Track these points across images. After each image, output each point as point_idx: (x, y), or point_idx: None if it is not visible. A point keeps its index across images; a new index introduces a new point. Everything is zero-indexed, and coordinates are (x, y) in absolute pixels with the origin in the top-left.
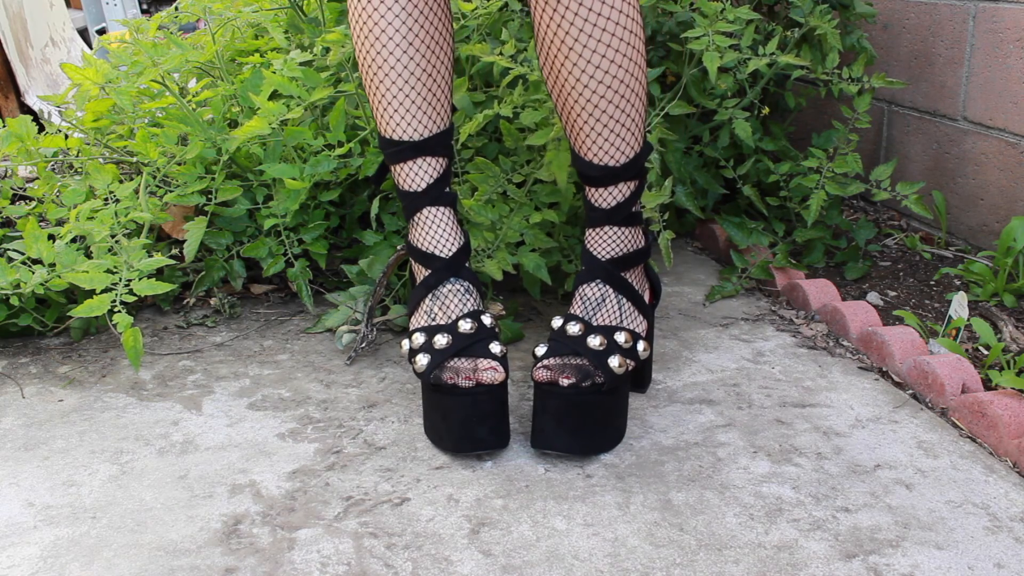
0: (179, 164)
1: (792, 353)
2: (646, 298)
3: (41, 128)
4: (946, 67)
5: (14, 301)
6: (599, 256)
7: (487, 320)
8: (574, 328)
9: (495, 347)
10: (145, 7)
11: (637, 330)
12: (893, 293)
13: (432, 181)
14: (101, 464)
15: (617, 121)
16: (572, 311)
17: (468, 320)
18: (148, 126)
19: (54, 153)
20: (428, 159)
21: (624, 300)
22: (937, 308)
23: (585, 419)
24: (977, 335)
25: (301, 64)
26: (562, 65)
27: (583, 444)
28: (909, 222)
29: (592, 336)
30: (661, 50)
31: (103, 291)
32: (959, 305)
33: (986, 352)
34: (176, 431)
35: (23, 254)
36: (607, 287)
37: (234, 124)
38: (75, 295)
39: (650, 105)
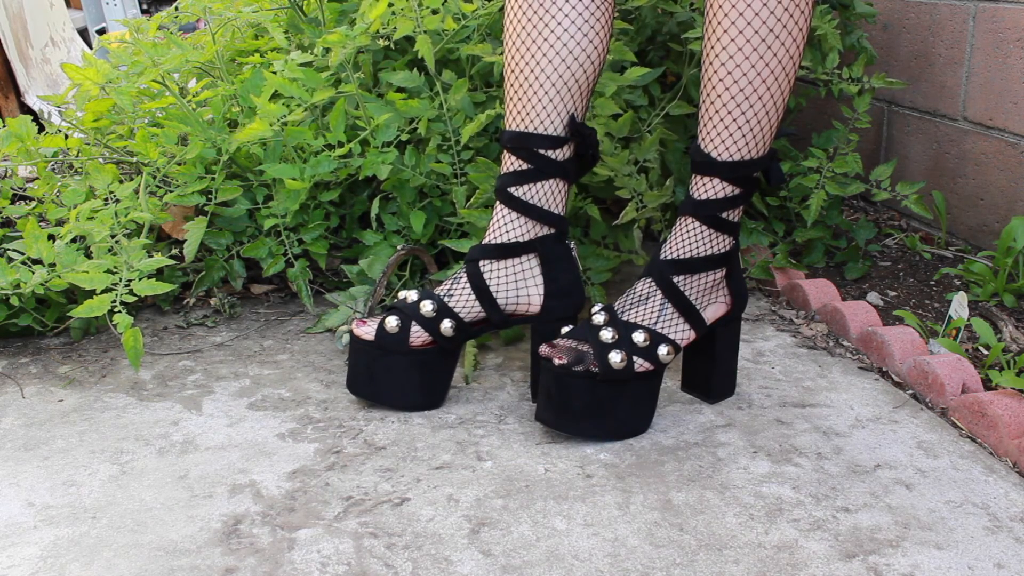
0: (179, 164)
1: (792, 353)
2: (714, 310)
3: (41, 128)
4: (946, 67)
5: (14, 301)
6: (664, 252)
7: (426, 306)
8: (599, 317)
9: (391, 320)
10: (145, 7)
11: (673, 336)
12: (893, 293)
13: (503, 173)
14: (101, 464)
15: (733, 118)
16: (614, 302)
17: (421, 297)
18: (148, 126)
19: (54, 153)
20: (506, 153)
21: (668, 305)
22: (937, 308)
23: (572, 401)
24: (977, 335)
25: (301, 65)
26: (719, 40)
27: (569, 425)
28: (909, 222)
29: (606, 329)
30: (661, 50)
31: (103, 291)
32: (959, 305)
33: (986, 352)
34: (176, 431)
35: (23, 254)
36: (656, 289)
37: (234, 124)
38: (75, 295)
39: (650, 105)
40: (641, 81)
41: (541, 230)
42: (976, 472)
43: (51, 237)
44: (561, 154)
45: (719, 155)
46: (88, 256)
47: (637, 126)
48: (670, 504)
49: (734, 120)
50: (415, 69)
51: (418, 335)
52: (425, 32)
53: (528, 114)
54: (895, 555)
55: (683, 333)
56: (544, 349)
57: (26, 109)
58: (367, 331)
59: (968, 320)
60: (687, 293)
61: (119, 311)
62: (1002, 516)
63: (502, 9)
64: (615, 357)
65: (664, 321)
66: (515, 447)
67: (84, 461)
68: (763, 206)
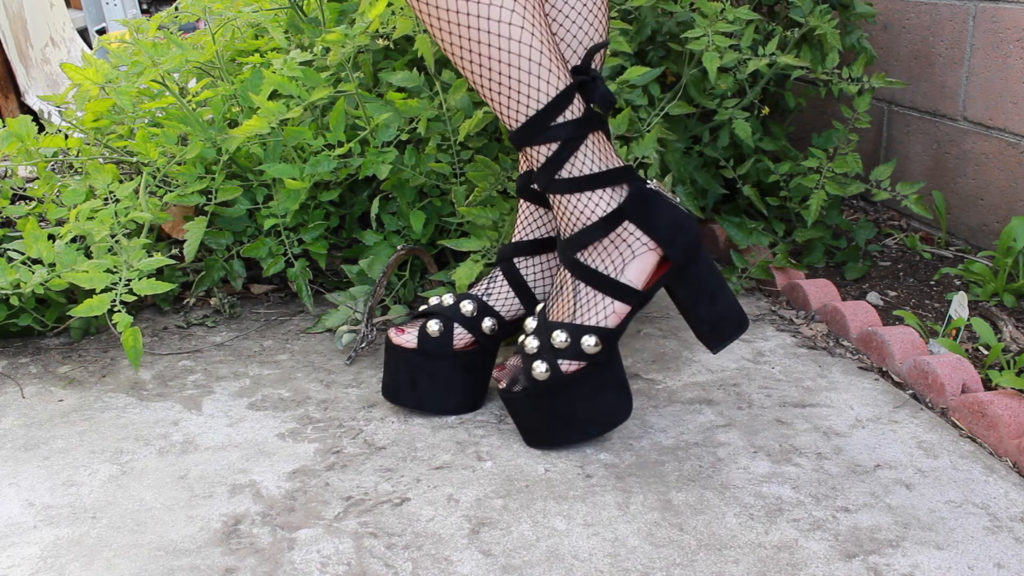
0: (179, 164)
1: (792, 353)
2: (638, 266)
3: (41, 128)
4: (946, 67)
5: (14, 301)
6: (561, 235)
7: (467, 306)
8: (530, 323)
9: (432, 324)
10: (145, 7)
11: (595, 322)
12: (893, 293)
13: (522, 172)
14: (101, 464)
15: (492, 91)
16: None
17: (459, 299)
18: (148, 126)
19: (54, 153)
20: (520, 154)
21: (581, 285)
22: (937, 308)
23: (527, 419)
24: (977, 335)
25: (301, 64)
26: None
27: (541, 442)
28: (909, 222)
29: (532, 337)
30: (661, 50)
31: (103, 291)
32: (959, 305)
33: (986, 352)
34: (176, 431)
35: (23, 254)
36: (565, 272)
37: (234, 124)
38: (75, 295)
39: (650, 105)
40: (641, 81)
41: None
42: (976, 472)
43: (51, 237)
44: (573, 112)
45: (511, 126)
46: (88, 256)
47: (636, 126)
48: (670, 504)
49: (494, 93)
50: (415, 69)
51: (461, 337)
52: (424, 31)
53: (515, 104)
54: (895, 555)
55: (606, 311)
56: (495, 372)
57: (26, 109)
58: (408, 339)
59: (968, 320)
60: (595, 266)
61: (119, 311)
62: (1002, 516)
63: None
64: (539, 368)
65: (581, 307)
66: (515, 447)
67: (84, 461)
68: (763, 206)
